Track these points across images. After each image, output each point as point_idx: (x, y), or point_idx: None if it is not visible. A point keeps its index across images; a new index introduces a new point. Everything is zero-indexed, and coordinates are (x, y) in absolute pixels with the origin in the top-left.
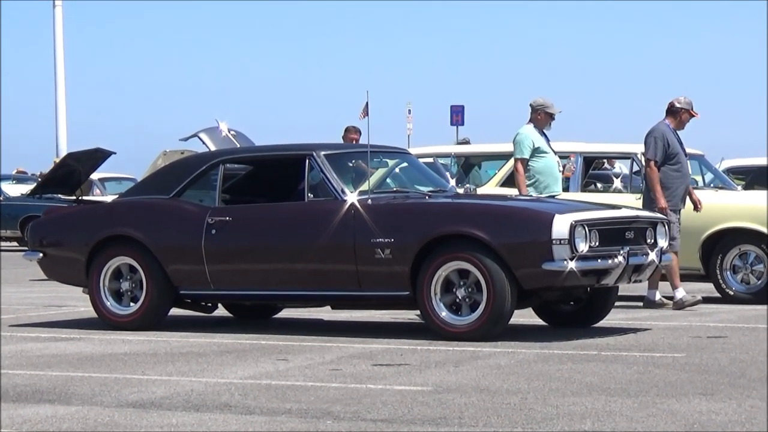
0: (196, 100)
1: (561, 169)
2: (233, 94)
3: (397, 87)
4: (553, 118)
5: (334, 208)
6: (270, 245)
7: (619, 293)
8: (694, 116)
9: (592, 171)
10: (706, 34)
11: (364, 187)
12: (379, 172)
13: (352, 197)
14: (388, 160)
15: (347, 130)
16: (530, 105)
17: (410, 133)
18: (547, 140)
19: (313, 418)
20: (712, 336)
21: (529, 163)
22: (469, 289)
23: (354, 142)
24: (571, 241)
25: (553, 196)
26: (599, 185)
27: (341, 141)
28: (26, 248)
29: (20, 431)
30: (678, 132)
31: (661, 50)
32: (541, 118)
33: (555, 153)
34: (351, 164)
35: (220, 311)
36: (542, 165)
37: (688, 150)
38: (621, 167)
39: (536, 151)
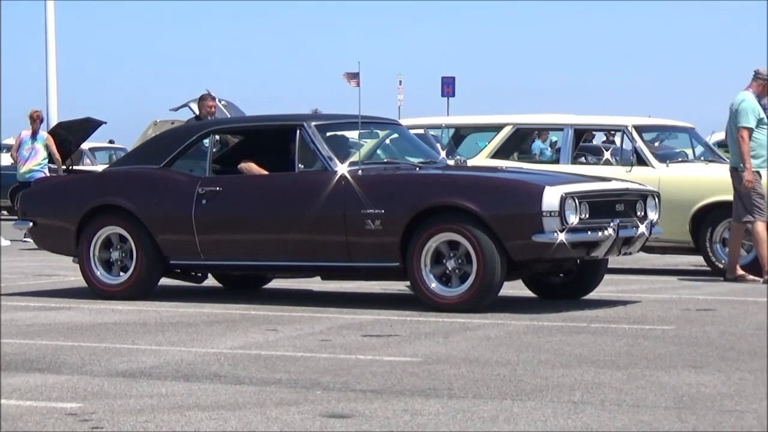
0: (187, 70)
1: None
2: (224, 65)
3: (388, 58)
4: None
5: (324, 179)
6: (260, 216)
7: (609, 266)
8: None
9: (582, 143)
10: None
11: (355, 158)
12: (370, 143)
13: (342, 168)
14: (378, 131)
15: (202, 98)
16: (755, 72)
17: (401, 104)
18: (765, 110)
19: (302, 389)
20: (702, 309)
21: (751, 134)
22: (459, 261)
23: (211, 109)
24: (561, 213)
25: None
26: (589, 158)
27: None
28: (16, 217)
29: (9, 400)
30: None
31: (653, 22)
32: (764, 88)
33: None
34: (341, 135)
35: (210, 281)
36: (765, 137)
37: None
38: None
39: (760, 122)
